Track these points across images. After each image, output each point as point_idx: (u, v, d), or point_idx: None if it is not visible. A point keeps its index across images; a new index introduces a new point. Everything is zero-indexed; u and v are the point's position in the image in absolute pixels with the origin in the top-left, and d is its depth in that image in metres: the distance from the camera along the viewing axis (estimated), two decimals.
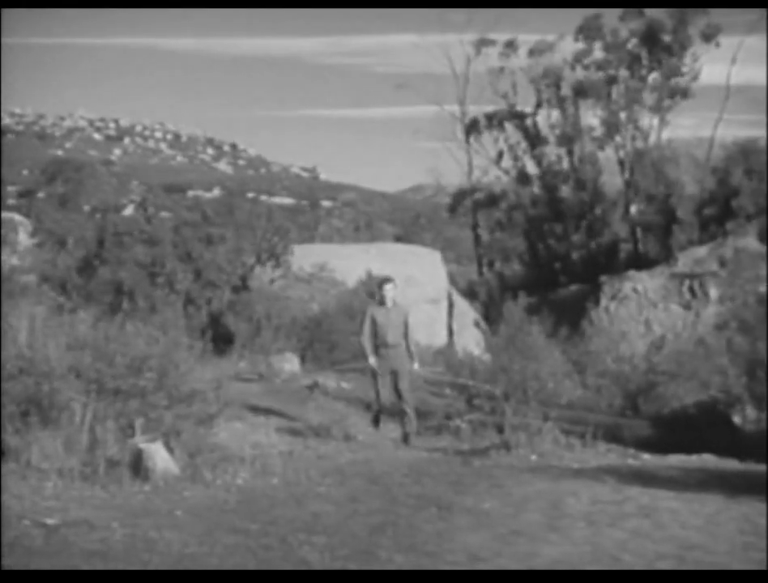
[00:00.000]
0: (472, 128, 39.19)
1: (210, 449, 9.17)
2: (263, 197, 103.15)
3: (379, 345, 11.99)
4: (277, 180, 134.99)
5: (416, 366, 12.29)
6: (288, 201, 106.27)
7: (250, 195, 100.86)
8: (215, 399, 9.86)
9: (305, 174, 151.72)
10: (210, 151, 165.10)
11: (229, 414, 10.60)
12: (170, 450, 8.64)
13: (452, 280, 31.09)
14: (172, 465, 8.50)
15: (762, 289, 29.19)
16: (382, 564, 6.02)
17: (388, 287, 12.18)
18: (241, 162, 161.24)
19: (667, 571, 5.87)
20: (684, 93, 35.57)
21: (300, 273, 23.16)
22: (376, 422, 12.37)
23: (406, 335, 12.20)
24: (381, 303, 12.19)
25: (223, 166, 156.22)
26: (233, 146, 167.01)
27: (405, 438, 11.74)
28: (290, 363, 17.52)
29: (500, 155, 38.69)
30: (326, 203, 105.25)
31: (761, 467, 9.51)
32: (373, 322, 12.06)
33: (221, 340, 19.28)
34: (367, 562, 6.07)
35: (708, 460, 10.45)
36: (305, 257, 23.64)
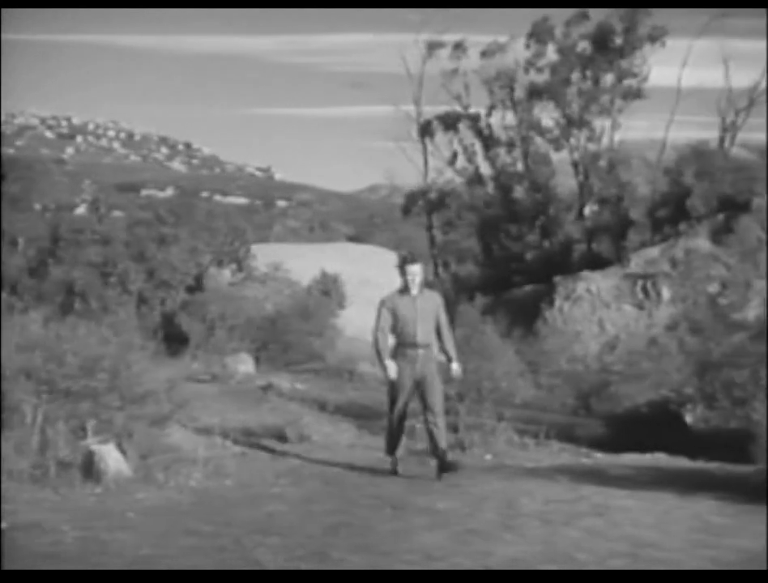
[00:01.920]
0: (426, 129, 39.30)
1: (163, 451, 9.09)
2: (217, 197, 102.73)
3: (404, 345, 9.15)
4: (231, 179, 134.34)
5: (455, 368, 9.35)
6: (242, 200, 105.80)
7: (204, 194, 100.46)
8: (168, 400, 9.79)
9: (259, 174, 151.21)
10: (163, 149, 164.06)
11: (182, 416, 10.52)
12: (122, 452, 8.55)
13: None
14: (125, 466, 8.41)
15: (713, 290, 29.58)
16: (337, 565, 5.99)
17: (414, 269, 9.21)
18: (195, 161, 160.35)
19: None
20: (637, 94, 35.94)
21: (254, 273, 23.11)
22: (391, 450, 9.49)
23: (440, 331, 9.34)
24: (405, 290, 9.25)
25: (177, 165, 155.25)
26: (187, 146, 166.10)
27: (442, 467, 9.04)
28: (244, 364, 17.48)
29: (454, 156, 38.85)
30: (280, 203, 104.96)
31: (712, 465, 9.62)
32: (394, 316, 9.18)
33: (175, 340, 19.19)
34: (322, 562, 6.05)
35: (660, 458, 10.55)
36: (260, 256, 23.57)
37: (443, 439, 9.13)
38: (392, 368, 9.07)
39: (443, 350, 9.35)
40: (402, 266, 9.36)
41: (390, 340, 9.32)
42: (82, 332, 9.87)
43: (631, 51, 35.43)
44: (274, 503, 7.84)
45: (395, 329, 9.21)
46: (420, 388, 9.21)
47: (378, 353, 9.21)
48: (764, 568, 5.91)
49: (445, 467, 8.93)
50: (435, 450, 9.11)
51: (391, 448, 9.44)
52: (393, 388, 9.26)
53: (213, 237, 23.61)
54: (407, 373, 9.13)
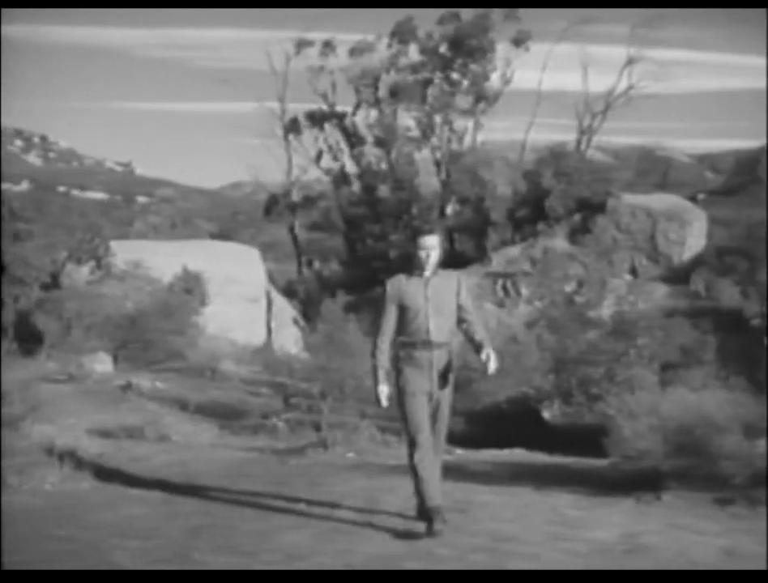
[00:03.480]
0: (292, 126, 39.24)
1: (17, 454, 8.79)
2: (75, 192, 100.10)
3: (413, 345, 6.74)
4: (90, 174, 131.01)
5: (492, 365, 6.76)
6: (101, 196, 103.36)
7: (61, 189, 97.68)
8: (22, 401, 9.48)
9: (119, 168, 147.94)
10: (18, 142, 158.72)
11: (37, 417, 10.19)
12: None
13: (271, 278, 31.00)
14: None
15: (570, 288, 30.43)
16: (198, 566, 5.91)
17: (429, 241, 6.75)
18: (51, 154, 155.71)
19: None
20: (494, 97, 36.74)
21: (114, 270, 22.59)
22: (430, 501, 6.60)
23: (465, 316, 6.91)
24: (414, 270, 6.80)
25: (32, 158, 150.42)
26: (43, 138, 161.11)
27: (427, 520, 6.57)
28: (102, 363, 17.08)
29: (319, 154, 38.90)
30: (141, 199, 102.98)
31: (568, 460, 9.89)
32: (400, 307, 6.80)
33: (29, 339, 18.61)
34: (182, 564, 5.96)
35: (519, 454, 10.77)
36: (119, 253, 23.04)
37: (431, 492, 6.58)
38: (384, 395, 6.70)
39: (469, 337, 6.97)
40: (415, 239, 6.83)
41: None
42: None
43: (484, 54, 36.23)
44: (133, 505, 7.68)
45: (401, 325, 6.81)
46: (431, 409, 6.76)
47: (373, 368, 6.77)
48: (619, 560, 6.10)
49: (428, 528, 6.53)
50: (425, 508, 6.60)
51: (425, 497, 6.65)
52: (408, 418, 6.68)
53: (70, 233, 23.01)
54: (420, 386, 6.69)
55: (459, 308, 6.87)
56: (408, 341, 6.75)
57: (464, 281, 6.97)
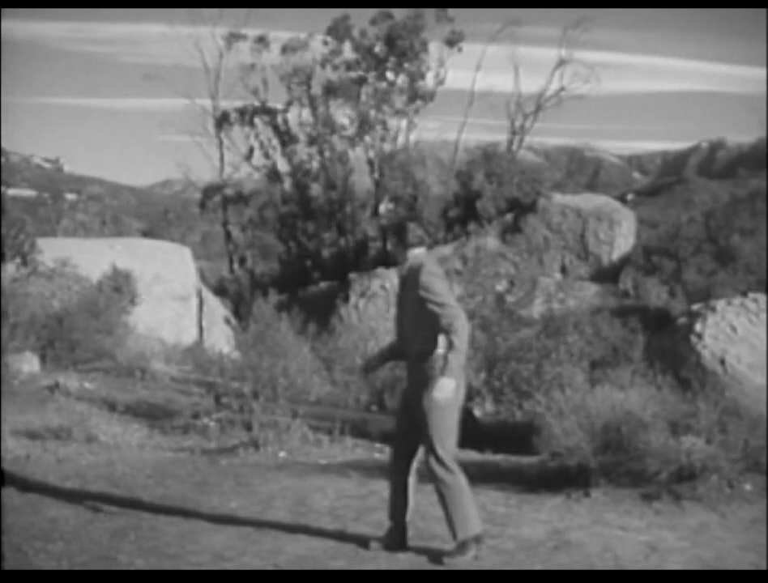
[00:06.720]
0: (223, 123, 38.91)
1: None
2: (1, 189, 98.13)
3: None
4: (16, 170, 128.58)
5: (447, 386, 5.67)
6: (28, 193, 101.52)
7: None
8: None
9: (47, 165, 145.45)
10: None
11: None
12: None
13: (202, 277, 30.70)
14: None
15: (501, 287, 30.65)
16: (124, 568, 5.84)
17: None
18: None
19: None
20: (429, 96, 36.88)
21: (40, 268, 22.15)
22: (390, 513, 6.32)
23: (436, 325, 5.78)
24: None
25: None
26: None
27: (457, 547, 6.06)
28: (29, 364, 16.74)
29: (251, 151, 38.63)
30: (69, 196, 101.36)
31: (498, 457, 9.97)
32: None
33: None
34: (107, 567, 5.88)
35: None
36: (46, 251, 22.61)
37: (457, 517, 6.04)
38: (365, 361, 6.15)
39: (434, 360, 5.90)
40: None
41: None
42: None
43: (416, 55, 36.34)
44: (57, 507, 7.54)
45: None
46: (412, 421, 6.03)
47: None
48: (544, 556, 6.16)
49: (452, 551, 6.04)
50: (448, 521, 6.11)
51: (390, 509, 6.33)
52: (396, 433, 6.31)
53: None
54: (404, 392, 6.31)
55: (423, 303, 5.81)
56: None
57: (425, 270, 5.85)
